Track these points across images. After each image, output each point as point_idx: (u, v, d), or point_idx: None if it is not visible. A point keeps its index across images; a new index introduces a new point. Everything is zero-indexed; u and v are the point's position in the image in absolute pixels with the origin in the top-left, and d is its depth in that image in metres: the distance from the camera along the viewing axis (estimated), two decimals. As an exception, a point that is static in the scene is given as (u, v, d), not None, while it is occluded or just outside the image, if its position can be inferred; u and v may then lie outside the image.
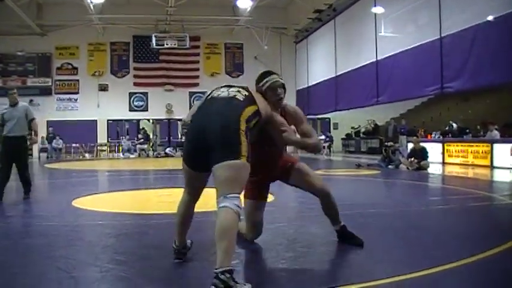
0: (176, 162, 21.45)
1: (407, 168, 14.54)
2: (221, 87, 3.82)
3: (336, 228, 4.46)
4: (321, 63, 26.58)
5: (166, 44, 27.58)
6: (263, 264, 4.05)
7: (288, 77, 29.40)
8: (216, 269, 3.10)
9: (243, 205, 3.44)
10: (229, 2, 25.63)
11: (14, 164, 8.25)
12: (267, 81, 4.04)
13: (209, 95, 3.78)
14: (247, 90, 3.74)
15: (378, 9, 19.69)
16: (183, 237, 3.92)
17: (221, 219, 3.23)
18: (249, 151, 3.40)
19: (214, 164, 3.36)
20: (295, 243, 4.58)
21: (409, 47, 17.19)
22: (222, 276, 3.04)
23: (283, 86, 4.08)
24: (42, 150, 27.08)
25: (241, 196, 3.45)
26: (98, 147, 28.80)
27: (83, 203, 7.60)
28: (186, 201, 3.86)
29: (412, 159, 14.57)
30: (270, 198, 7.74)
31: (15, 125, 8.14)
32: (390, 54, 18.57)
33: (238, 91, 3.67)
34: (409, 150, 16.07)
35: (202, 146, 3.43)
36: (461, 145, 17.01)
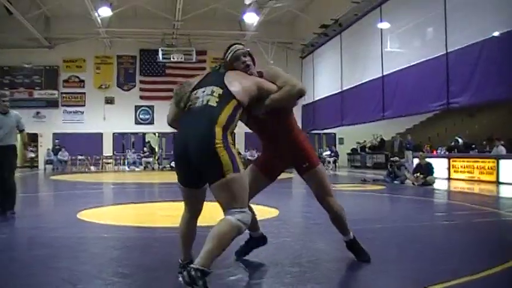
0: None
1: (413, 183, 14.48)
2: (199, 86, 3.69)
3: (345, 240, 4.42)
4: (326, 78, 26.60)
5: (173, 58, 27.73)
6: (268, 279, 4.02)
7: (294, 92, 29.47)
8: (192, 263, 3.21)
9: (248, 220, 3.39)
10: (235, 17, 25.76)
11: None
12: (229, 53, 4.01)
13: (188, 98, 3.65)
14: (222, 85, 3.63)
15: (384, 25, 19.73)
16: (187, 252, 3.82)
17: (217, 225, 3.30)
18: (234, 154, 3.37)
19: (207, 181, 3.44)
20: (300, 258, 4.55)
21: (415, 63, 17.18)
22: (192, 272, 3.09)
23: (248, 54, 4.03)
24: (47, 162, 27.20)
25: (247, 210, 3.41)
26: (104, 160, 28.85)
27: (88, 215, 7.60)
28: (185, 217, 3.79)
29: (418, 174, 14.53)
30: (275, 212, 7.74)
31: (6, 134, 7.67)
32: (396, 69, 18.57)
33: (212, 92, 3.56)
34: (414, 166, 16.03)
35: (188, 164, 3.43)
36: (467, 161, 16.96)
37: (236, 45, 4.09)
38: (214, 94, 3.55)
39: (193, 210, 3.76)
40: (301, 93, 3.93)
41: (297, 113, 27.33)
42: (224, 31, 27.52)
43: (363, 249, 4.39)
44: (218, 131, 3.35)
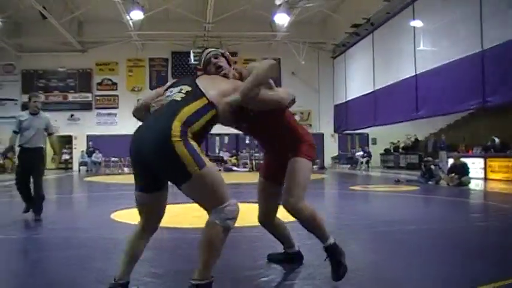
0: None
1: (448, 184, 14.24)
2: (173, 85, 3.49)
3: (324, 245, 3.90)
4: (359, 77, 26.39)
5: (204, 60, 27.83)
6: (299, 281, 3.97)
7: (326, 92, 29.38)
8: (192, 279, 3.09)
9: (234, 212, 3.14)
10: (266, 18, 25.72)
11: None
12: (202, 59, 3.85)
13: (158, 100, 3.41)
14: (192, 84, 3.39)
15: (417, 23, 19.47)
16: (127, 271, 3.36)
17: (204, 232, 3.11)
18: (195, 148, 3.06)
19: (172, 183, 3.17)
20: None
21: (449, 61, 16.89)
22: None
23: (221, 55, 3.84)
24: (81, 163, 27.67)
25: (231, 201, 3.15)
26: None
27: (121, 216, 7.66)
28: (139, 232, 3.42)
29: (453, 174, 14.28)
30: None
31: (34, 136, 7.41)
32: (429, 68, 18.30)
33: (180, 90, 3.33)
34: (449, 166, 15.76)
35: (144, 164, 3.17)
36: (505, 161, 16.59)
37: (208, 49, 3.94)
38: (182, 91, 3.33)
39: (151, 223, 3.41)
40: (266, 77, 3.56)
41: (329, 113, 27.27)
42: (255, 32, 27.55)
43: (340, 262, 3.80)
44: (176, 124, 3.06)
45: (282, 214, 3.99)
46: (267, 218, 4.19)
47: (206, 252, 3.06)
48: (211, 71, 3.76)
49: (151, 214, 3.38)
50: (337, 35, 28.00)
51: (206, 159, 3.10)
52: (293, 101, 3.82)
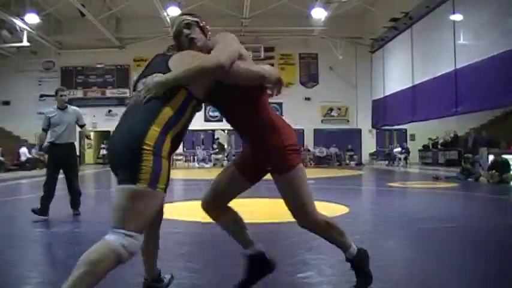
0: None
1: (488, 181, 13.97)
2: (143, 75, 2.98)
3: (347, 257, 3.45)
4: (397, 72, 26.01)
5: (239, 55, 27.91)
6: (336, 278, 3.95)
7: (364, 87, 29.05)
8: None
9: (135, 249, 2.60)
10: (303, 13, 25.60)
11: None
12: (174, 28, 3.17)
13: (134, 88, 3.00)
14: (166, 70, 2.82)
15: (457, 17, 19.08)
16: (150, 268, 3.36)
17: (91, 249, 2.53)
18: (161, 167, 2.63)
19: (117, 179, 2.71)
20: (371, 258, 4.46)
21: (490, 55, 16.51)
22: None
23: (194, 23, 3.14)
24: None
25: (139, 237, 2.61)
26: (174, 157, 29.41)
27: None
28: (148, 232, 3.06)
29: (493, 171, 13.98)
30: (345, 209, 7.65)
31: (65, 131, 7.22)
32: (470, 62, 17.93)
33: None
34: (490, 163, 15.44)
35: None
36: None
37: (182, 17, 3.19)
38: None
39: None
40: (217, 68, 2.79)
41: (367, 108, 26.90)
42: (292, 27, 27.46)
43: (365, 273, 3.45)
44: (153, 133, 2.63)
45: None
46: (215, 200, 3.41)
47: (80, 269, 2.43)
48: (184, 45, 3.09)
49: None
50: (375, 30, 27.63)
51: (162, 185, 2.65)
52: (279, 83, 3.10)
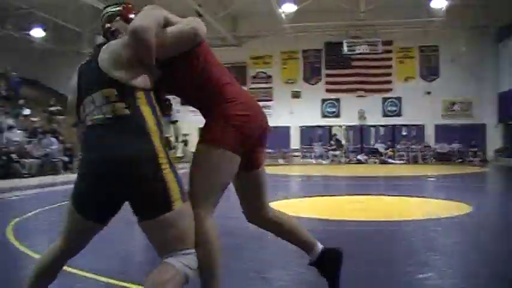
0: (369, 170, 21.28)
1: None
2: (86, 92, 2.53)
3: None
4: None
5: (358, 50, 27.53)
6: (458, 280, 3.75)
7: (489, 79, 27.46)
8: None
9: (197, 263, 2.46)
10: (422, 3, 24.68)
11: None
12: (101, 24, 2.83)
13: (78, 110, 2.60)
14: (105, 80, 2.45)
15: None
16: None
17: (154, 272, 2.35)
18: (178, 173, 2.46)
19: (136, 214, 2.47)
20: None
21: None
22: None
23: (115, 15, 2.78)
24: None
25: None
26: (291, 153, 29.61)
27: (276, 206, 7.77)
28: (58, 248, 2.64)
29: None
30: (467, 209, 7.24)
31: None
32: None
33: (108, 100, 2.43)
34: None
35: (104, 189, 2.44)
36: None
37: (104, 10, 2.85)
38: (111, 99, 2.43)
39: (74, 245, 2.64)
40: (141, 32, 2.43)
41: (493, 102, 25.41)
42: (410, 19, 26.53)
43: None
44: (157, 144, 2.41)
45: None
46: (248, 210, 3.19)
47: None
48: (110, 40, 2.69)
49: (80, 238, 2.64)
50: (502, 17, 26.00)
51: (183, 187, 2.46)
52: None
